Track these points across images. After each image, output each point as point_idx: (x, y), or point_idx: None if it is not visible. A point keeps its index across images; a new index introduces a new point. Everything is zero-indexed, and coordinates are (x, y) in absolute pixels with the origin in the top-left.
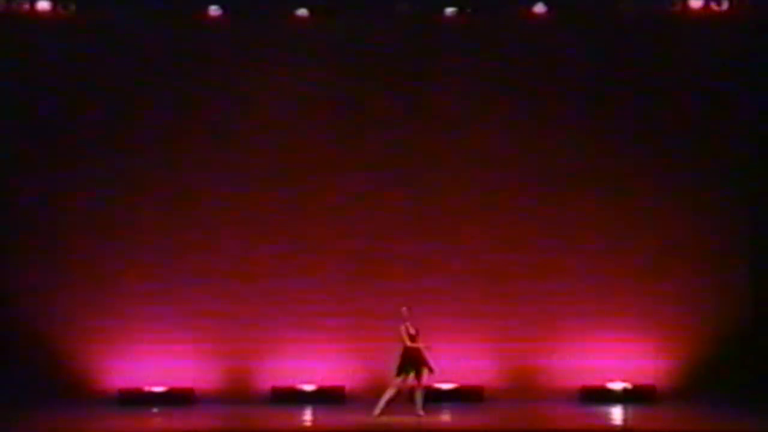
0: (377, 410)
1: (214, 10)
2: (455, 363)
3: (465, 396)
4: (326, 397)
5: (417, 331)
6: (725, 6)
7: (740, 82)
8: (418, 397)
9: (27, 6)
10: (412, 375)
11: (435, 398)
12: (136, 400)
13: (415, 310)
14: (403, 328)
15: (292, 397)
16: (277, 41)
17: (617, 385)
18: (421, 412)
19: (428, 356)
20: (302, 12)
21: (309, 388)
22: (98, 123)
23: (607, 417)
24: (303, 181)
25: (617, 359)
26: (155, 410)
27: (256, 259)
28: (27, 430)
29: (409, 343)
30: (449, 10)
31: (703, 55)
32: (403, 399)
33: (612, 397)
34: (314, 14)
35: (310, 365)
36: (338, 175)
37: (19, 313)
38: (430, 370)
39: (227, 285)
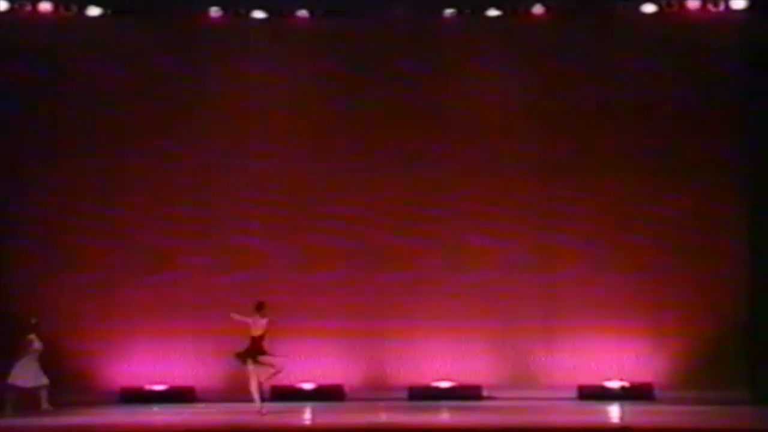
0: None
1: (214, 12)
2: (454, 361)
3: (463, 394)
4: (325, 396)
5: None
6: (722, 7)
7: (737, 81)
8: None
9: (29, 7)
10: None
11: (433, 396)
12: (138, 398)
13: (414, 307)
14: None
15: (292, 396)
16: (278, 42)
17: (615, 384)
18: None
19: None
20: (303, 13)
21: (308, 386)
22: (99, 124)
23: (605, 415)
24: (302, 180)
25: (615, 358)
26: (156, 408)
27: (257, 258)
28: (31, 429)
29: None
30: (448, 12)
31: (700, 55)
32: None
33: (610, 395)
34: (314, 15)
35: (309, 364)
36: (337, 175)
37: (21, 313)
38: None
39: (227, 284)
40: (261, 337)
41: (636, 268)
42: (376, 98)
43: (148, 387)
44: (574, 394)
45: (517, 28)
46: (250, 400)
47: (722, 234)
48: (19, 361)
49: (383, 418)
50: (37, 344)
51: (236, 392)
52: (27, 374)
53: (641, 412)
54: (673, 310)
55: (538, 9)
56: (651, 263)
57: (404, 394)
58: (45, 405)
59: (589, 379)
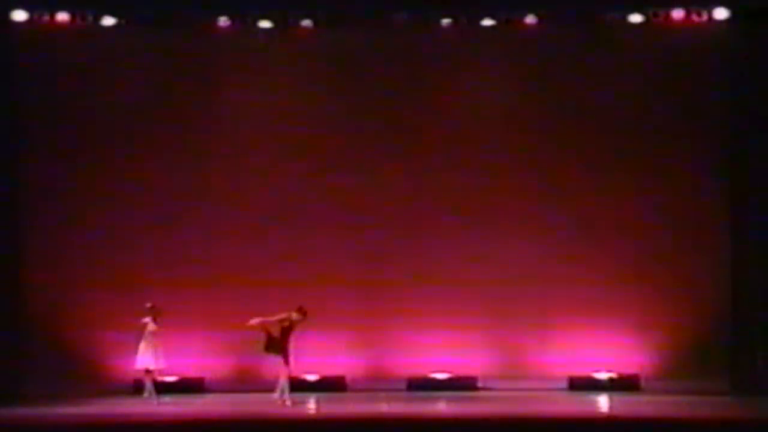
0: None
1: (223, 21)
2: (451, 354)
3: (459, 385)
4: (328, 386)
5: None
6: (705, 18)
7: (719, 88)
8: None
9: (47, 17)
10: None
11: (431, 387)
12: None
13: (412, 302)
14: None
15: (296, 387)
16: (282, 49)
17: (603, 375)
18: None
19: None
20: (307, 23)
21: (312, 377)
22: (114, 127)
23: (593, 404)
24: (305, 181)
25: (603, 351)
26: (167, 399)
27: (262, 254)
28: (47, 419)
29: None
30: (445, 21)
31: (685, 63)
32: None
33: (599, 386)
34: (318, 25)
35: (312, 356)
36: (339, 176)
37: (37, 309)
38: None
39: (234, 277)
40: (277, 336)
41: (623, 266)
42: (377, 103)
43: (159, 378)
44: (564, 385)
45: (511, 37)
46: (260, 391)
47: (703, 234)
48: (139, 345)
49: (383, 407)
50: (151, 327)
51: (245, 383)
52: (149, 357)
53: (628, 402)
54: (658, 306)
55: (530, 19)
56: (637, 261)
57: (403, 385)
58: (147, 393)
59: (579, 371)
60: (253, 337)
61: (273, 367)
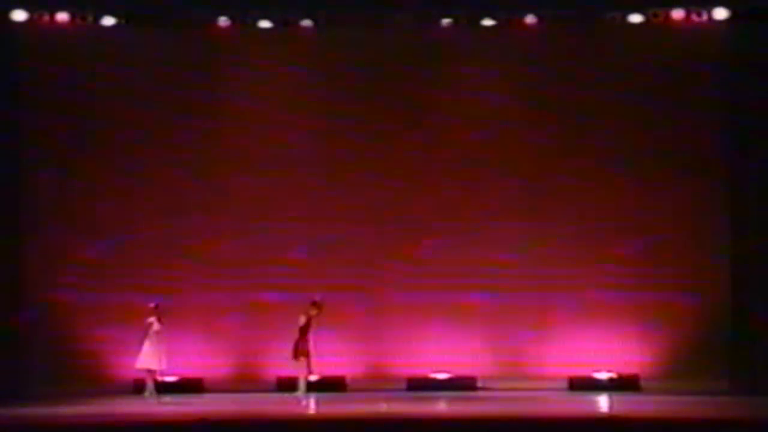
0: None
1: (223, 21)
2: (451, 354)
3: (459, 385)
4: (328, 387)
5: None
6: (705, 18)
7: (718, 88)
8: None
9: (47, 17)
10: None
11: (431, 387)
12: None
13: (412, 303)
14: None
15: (296, 387)
16: (282, 49)
17: (603, 375)
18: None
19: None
20: (306, 23)
21: (312, 378)
22: (114, 126)
23: (594, 405)
24: (305, 181)
25: (603, 351)
26: (167, 398)
27: (262, 254)
28: (47, 419)
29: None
30: (445, 21)
31: (684, 63)
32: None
33: (599, 386)
34: (317, 25)
35: (313, 357)
36: (339, 176)
37: (38, 309)
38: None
39: (234, 277)
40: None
41: (623, 266)
42: (377, 104)
43: (159, 378)
44: (564, 385)
45: (511, 37)
46: (259, 390)
47: (703, 234)
48: (143, 344)
49: (383, 407)
50: (156, 326)
51: (245, 383)
52: (152, 357)
53: (628, 402)
54: (657, 306)
55: (530, 19)
56: (637, 262)
57: (403, 385)
58: (147, 393)
59: (579, 371)
60: (251, 338)
61: (275, 366)
